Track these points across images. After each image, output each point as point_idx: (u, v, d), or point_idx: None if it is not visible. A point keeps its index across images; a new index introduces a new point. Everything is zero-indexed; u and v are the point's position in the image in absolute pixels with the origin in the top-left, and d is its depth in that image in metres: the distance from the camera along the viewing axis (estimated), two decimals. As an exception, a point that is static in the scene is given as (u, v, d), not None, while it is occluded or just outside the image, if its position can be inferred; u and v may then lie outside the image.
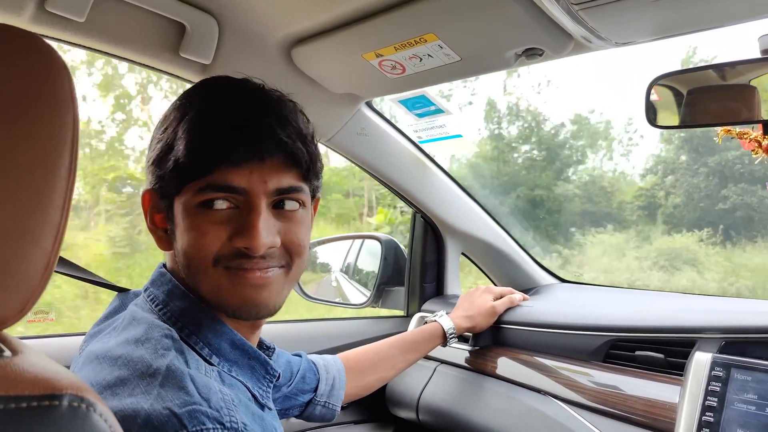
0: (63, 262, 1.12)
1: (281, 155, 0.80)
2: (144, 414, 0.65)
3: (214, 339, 0.82)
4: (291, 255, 0.85)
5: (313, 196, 0.91)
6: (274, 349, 1.00)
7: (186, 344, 0.79)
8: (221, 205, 0.79)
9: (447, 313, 1.50)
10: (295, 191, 0.83)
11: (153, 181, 0.83)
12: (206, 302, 0.83)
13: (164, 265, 0.89)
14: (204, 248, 0.79)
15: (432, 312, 1.77)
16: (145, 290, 0.88)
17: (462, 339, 1.58)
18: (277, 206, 0.83)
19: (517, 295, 1.59)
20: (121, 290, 1.04)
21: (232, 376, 0.81)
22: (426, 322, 1.50)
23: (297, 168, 0.83)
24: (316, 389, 1.23)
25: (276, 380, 0.89)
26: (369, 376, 1.36)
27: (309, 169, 0.85)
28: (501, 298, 1.57)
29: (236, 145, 0.77)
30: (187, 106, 0.82)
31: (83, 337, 0.95)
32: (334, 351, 1.66)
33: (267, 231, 0.80)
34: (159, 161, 0.81)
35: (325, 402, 1.24)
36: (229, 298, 0.81)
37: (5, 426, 0.41)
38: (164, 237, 0.86)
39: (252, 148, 0.78)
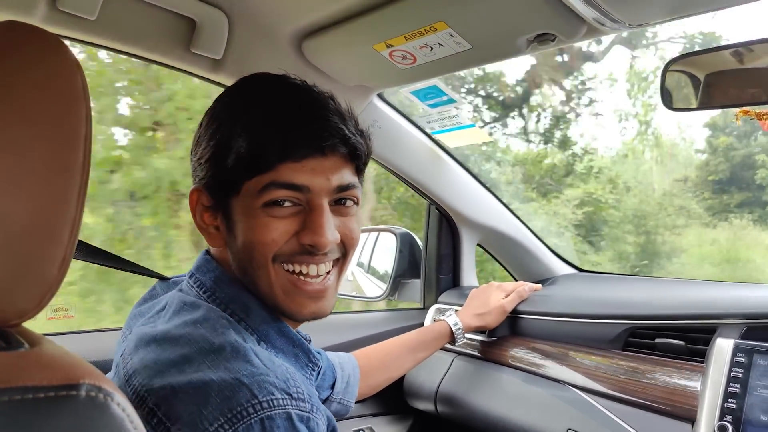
0: (95, 250, 1.12)
1: (344, 150, 0.82)
2: (215, 385, 0.67)
3: (261, 326, 0.84)
4: (347, 248, 0.89)
5: None
6: (310, 340, 1.01)
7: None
8: (286, 204, 0.81)
9: (456, 311, 1.50)
10: (353, 187, 0.86)
11: (205, 179, 0.84)
12: (261, 298, 0.85)
13: (208, 252, 0.91)
14: (271, 244, 0.81)
15: (449, 303, 1.78)
16: (191, 276, 0.89)
17: (479, 330, 1.57)
18: (336, 204, 0.85)
19: (526, 288, 1.57)
20: (161, 278, 1.06)
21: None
22: (438, 319, 1.49)
23: (355, 162, 0.86)
24: (333, 386, 1.24)
25: (317, 369, 0.91)
26: (377, 376, 1.37)
27: (365, 162, 0.89)
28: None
29: (301, 141, 0.79)
30: (241, 103, 0.83)
31: (110, 332, 0.96)
32: (351, 343, 1.67)
33: (330, 229, 0.82)
34: (215, 159, 0.82)
35: (341, 399, 1.25)
36: (285, 303, 0.84)
37: (24, 416, 0.42)
38: (216, 234, 0.87)
39: (318, 144, 0.80)
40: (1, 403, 0.41)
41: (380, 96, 1.58)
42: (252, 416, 0.66)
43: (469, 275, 1.92)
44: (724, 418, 1.01)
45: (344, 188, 0.84)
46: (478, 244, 1.94)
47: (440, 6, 1.06)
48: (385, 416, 1.76)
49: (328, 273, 0.87)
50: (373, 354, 1.39)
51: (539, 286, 1.63)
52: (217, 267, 0.87)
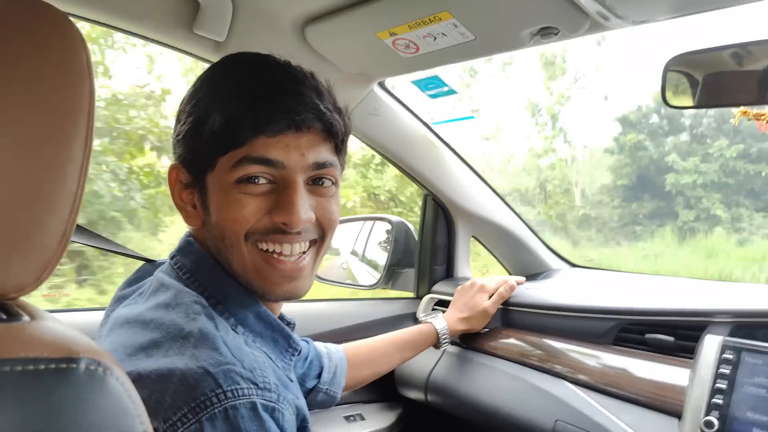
0: (86, 232, 1.13)
1: (319, 126, 0.81)
2: (180, 373, 0.67)
3: (239, 309, 0.83)
4: (324, 229, 0.87)
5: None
6: (294, 324, 1.01)
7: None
8: (260, 181, 0.80)
9: (443, 312, 1.52)
10: (330, 165, 0.84)
11: (184, 155, 0.84)
12: (234, 277, 0.84)
13: (190, 234, 0.90)
14: (242, 221, 0.80)
15: (442, 293, 1.79)
16: (172, 258, 0.88)
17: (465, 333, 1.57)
18: (313, 183, 0.84)
19: (508, 287, 1.55)
20: (147, 261, 1.05)
21: (256, 346, 0.82)
22: (425, 321, 1.50)
23: (333, 140, 0.84)
24: (319, 376, 1.24)
25: (297, 354, 0.90)
26: (364, 370, 1.38)
27: (343, 140, 0.86)
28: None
29: (275, 115, 0.78)
30: (219, 80, 0.83)
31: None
32: (344, 331, 1.68)
33: (304, 208, 0.81)
34: (191, 134, 0.81)
35: (327, 389, 1.25)
36: (258, 282, 0.83)
37: (23, 387, 0.42)
38: (192, 213, 0.86)
39: (291, 118, 0.78)
40: (1, 373, 0.41)
41: (381, 85, 1.58)
42: (216, 406, 0.65)
43: (463, 266, 1.93)
44: (711, 414, 1.02)
45: (321, 165, 0.83)
46: (473, 237, 1.94)
47: (445, -5, 1.06)
48: (376, 403, 1.77)
49: (303, 253, 0.85)
50: (361, 348, 1.40)
51: (522, 279, 1.64)
52: (198, 250, 0.87)
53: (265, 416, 0.68)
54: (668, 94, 1.09)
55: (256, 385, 0.69)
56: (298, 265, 0.85)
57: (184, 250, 0.88)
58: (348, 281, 2.12)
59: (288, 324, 1.00)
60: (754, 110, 1.15)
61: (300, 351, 0.91)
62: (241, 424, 0.66)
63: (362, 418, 1.70)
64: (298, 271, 0.85)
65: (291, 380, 0.87)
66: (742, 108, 1.15)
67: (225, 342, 0.72)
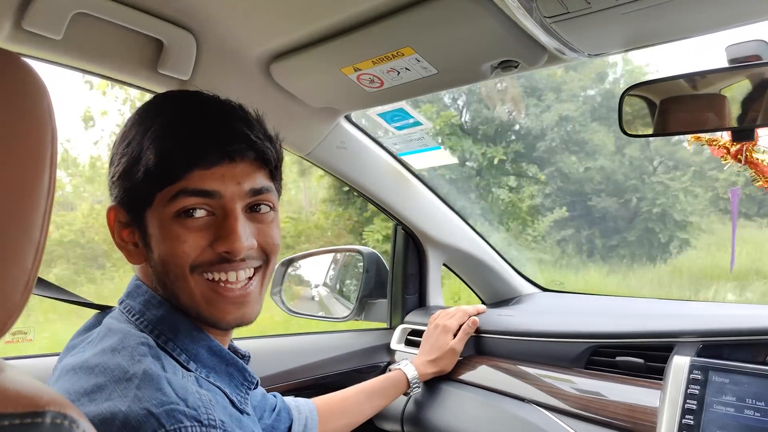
0: (41, 283, 1.11)
1: (252, 155, 0.84)
2: (122, 415, 0.66)
3: (191, 345, 0.84)
4: (267, 254, 0.89)
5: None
6: (249, 357, 1.00)
7: (163, 351, 0.80)
8: (198, 213, 0.81)
9: (413, 357, 1.53)
10: (267, 191, 0.87)
11: (120, 196, 0.85)
12: (183, 310, 0.85)
13: (138, 278, 0.90)
14: (183, 255, 0.81)
15: (415, 323, 1.79)
16: (121, 303, 0.89)
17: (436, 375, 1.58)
18: (250, 210, 0.87)
19: (470, 322, 1.57)
20: (104, 308, 1.03)
21: (210, 381, 0.82)
22: (391, 370, 1.51)
23: (267, 167, 0.87)
24: (290, 429, 1.22)
25: (254, 387, 0.91)
26: (337, 421, 1.37)
27: (277, 167, 0.89)
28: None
29: (207, 148, 0.80)
30: (150, 119, 0.84)
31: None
32: (319, 364, 1.67)
33: (245, 234, 0.83)
34: (126, 174, 0.82)
35: None
36: (208, 312, 0.84)
37: None
38: (134, 251, 0.87)
39: (223, 149, 0.81)
40: None
41: (347, 118, 1.60)
42: None
43: (435, 295, 1.94)
44: (682, 435, 1.03)
45: (257, 192, 0.85)
46: (444, 264, 1.96)
47: (407, 32, 1.08)
48: (352, 437, 1.75)
49: (249, 279, 0.87)
50: (332, 399, 1.39)
51: (483, 308, 1.65)
52: (146, 291, 0.87)
53: None
54: (625, 123, 1.12)
55: (200, 422, 0.69)
56: (246, 291, 0.86)
57: (132, 293, 0.88)
58: (321, 314, 2.11)
59: (243, 357, 1.00)
60: (707, 136, 1.19)
61: (257, 384, 0.92)
62: None
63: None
64: (245, 297, 0.86)
65: (248, 413, 0.87)
66: (696, 134, 1.19)
67: (169, 382, 0.72)
